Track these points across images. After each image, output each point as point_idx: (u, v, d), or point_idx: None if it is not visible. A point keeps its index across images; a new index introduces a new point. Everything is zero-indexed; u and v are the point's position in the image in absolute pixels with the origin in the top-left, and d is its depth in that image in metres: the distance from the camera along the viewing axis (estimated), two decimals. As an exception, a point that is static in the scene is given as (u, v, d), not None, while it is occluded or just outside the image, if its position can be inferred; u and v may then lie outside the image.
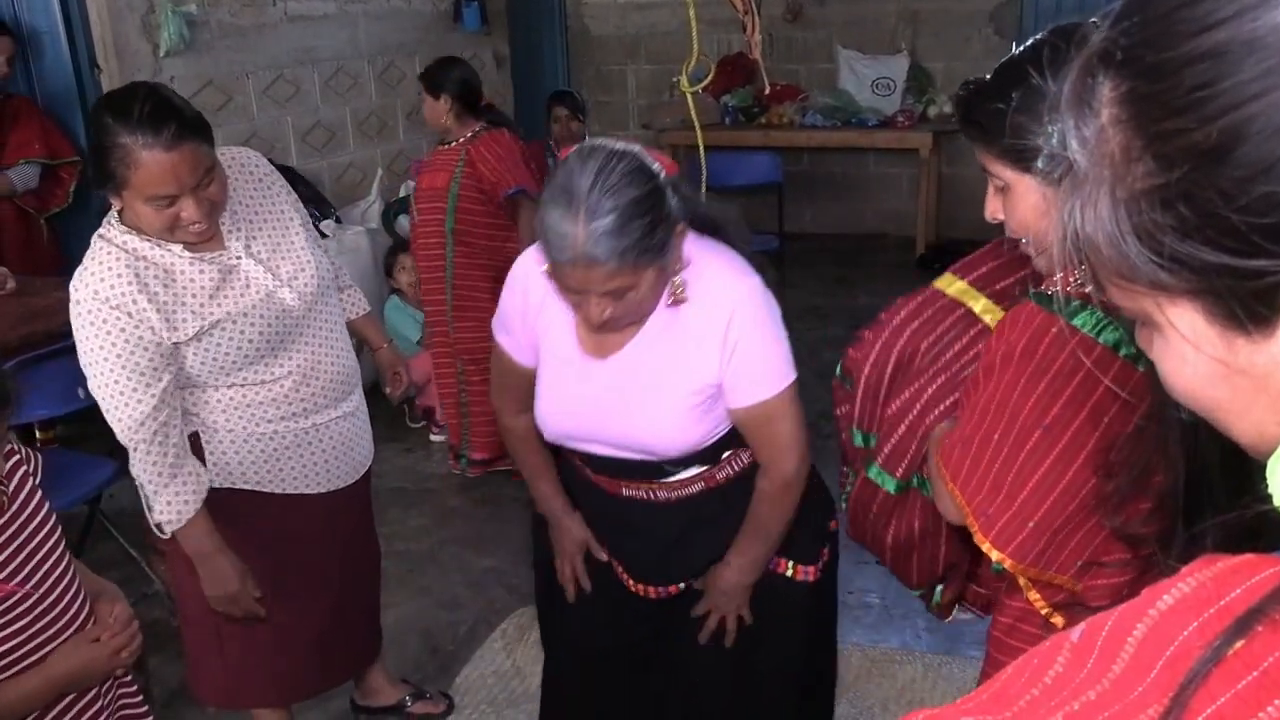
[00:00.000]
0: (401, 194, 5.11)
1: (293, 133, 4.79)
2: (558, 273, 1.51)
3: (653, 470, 1.73)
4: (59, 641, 1.45)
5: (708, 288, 1.62)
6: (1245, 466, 0.58)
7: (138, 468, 1.87)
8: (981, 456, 1.24)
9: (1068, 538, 1.22)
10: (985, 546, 1.24)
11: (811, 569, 1.84)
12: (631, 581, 1.84)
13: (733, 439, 1.73)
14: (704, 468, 1.74)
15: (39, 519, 1.46)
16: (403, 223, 4.75)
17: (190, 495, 1.89)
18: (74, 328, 1.84)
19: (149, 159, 1.72)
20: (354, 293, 2.36)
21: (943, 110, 6.37)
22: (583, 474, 1.82)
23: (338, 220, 4.64)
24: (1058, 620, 1.29)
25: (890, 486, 1.49)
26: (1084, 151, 0.54)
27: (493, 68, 6.21)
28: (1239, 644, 0.44)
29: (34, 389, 2.70)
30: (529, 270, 1.70)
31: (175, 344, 1.85)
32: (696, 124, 1.99)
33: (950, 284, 1.53)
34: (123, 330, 1.80)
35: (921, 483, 1.48)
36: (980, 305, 1.47)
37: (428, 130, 5.74)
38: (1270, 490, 0.48)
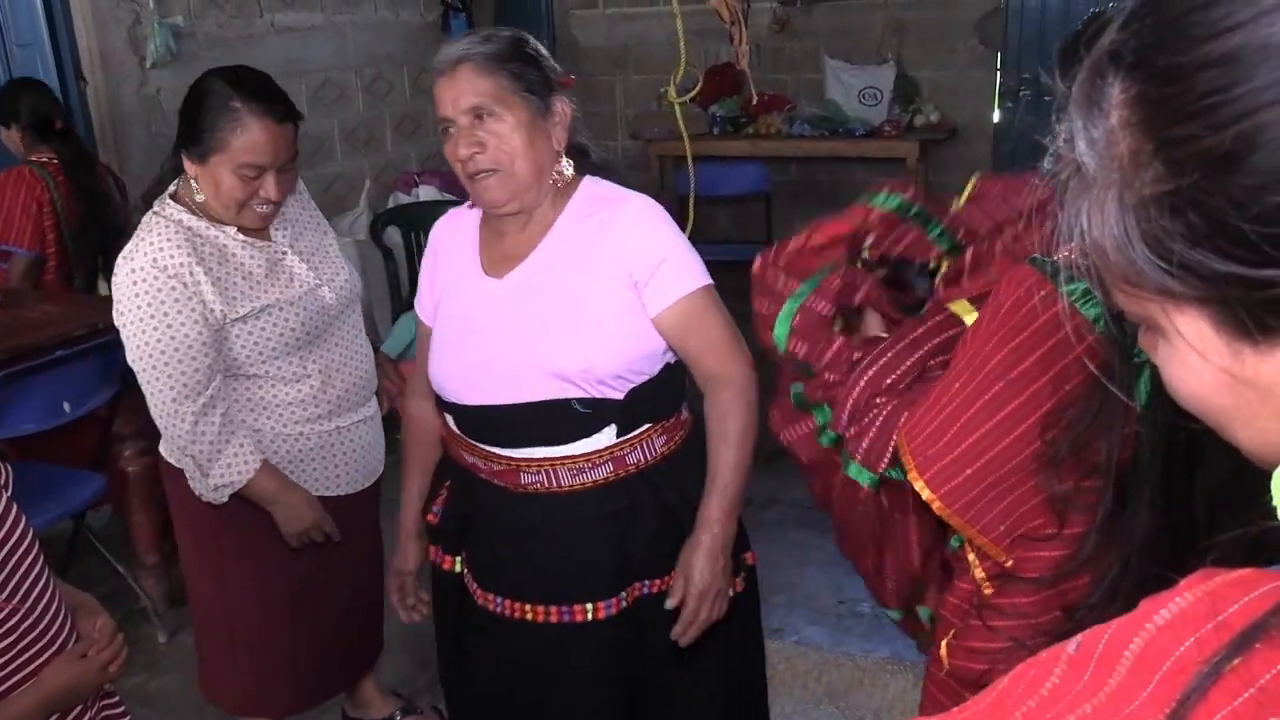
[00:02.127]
0: (390, 205, 5.11)
1: (280, 144, 4.78)
2: (436, 102, 1.61)
3: (558, 423, 1.63)
4: (42, 659, 1.42)
5: (606, 195, 1.69)
6: (1245, 479, 0.57)
7: (185, 439, 1.88)
8: (938, 402, 1.26)
9: (999, 497, 1.23)
10: (918, 485, 1.26)
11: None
12: (528, 606, 1.71)
13: (646, 404, 1.65)
14: (614, 438, 1.65)
15: (18, 534, 1.43)
16: (392, 234, 4.74)
17: (249, 454, 1.93)
18: (123, 299, 1.85)
19: (258, 125, 1.83)
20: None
21: (929, 119, 6.40)
22: (479, 474, 1.73)
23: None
24: (988, 590, 1.30)
25: (866, 480, 1.46)
26: (1092, 153, 0.53)
27: (480, 78, 6.21)
28: (1238, 660, 0.43)
29: (20, 403, 2.68)
30: (441, 227, 1.80)
31: (225, 320, 1.88)
32: (684, 134, 1.99)
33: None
34: (177, 300, 1.83)
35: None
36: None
37: (417, 141, 5.75)
38: (1275, 505, 0.48)
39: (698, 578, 1.62)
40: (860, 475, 1.40)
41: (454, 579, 1.84)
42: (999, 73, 6.59)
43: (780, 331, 1.48)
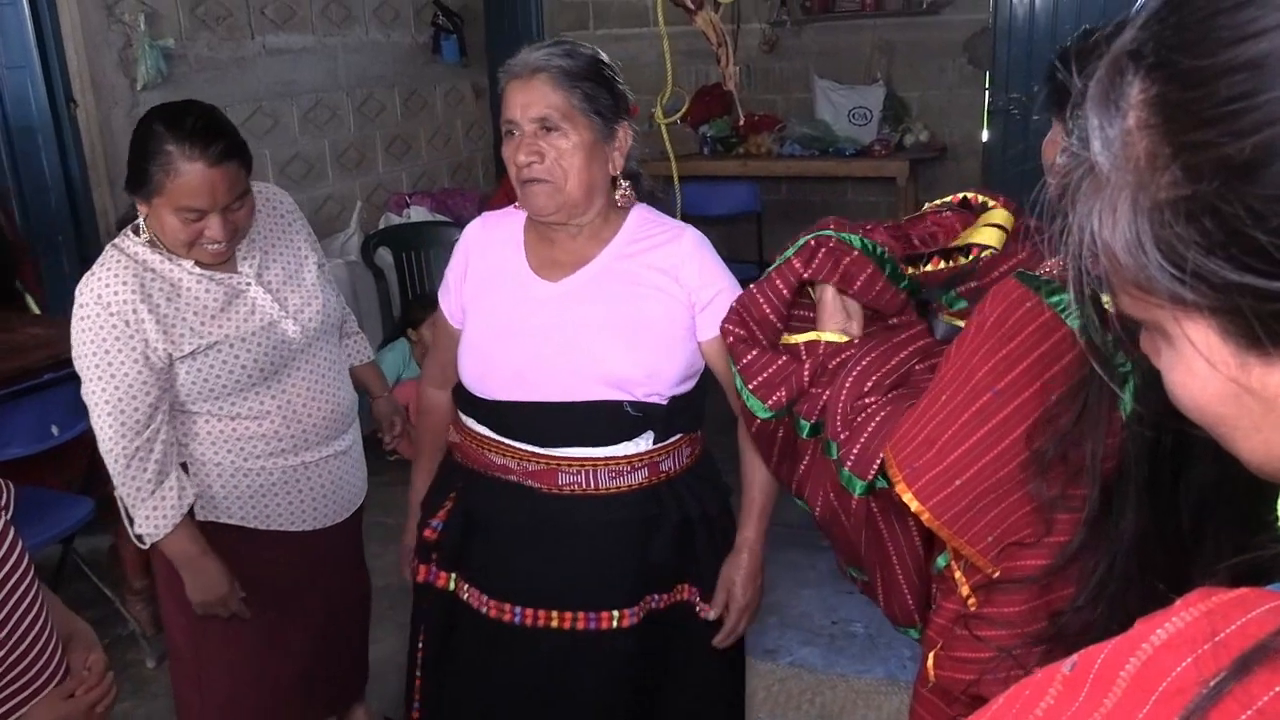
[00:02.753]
0: (381, 225, 5.11)
1: (271, 165, 4.78)
2: (505, 102, 1.64)
3: (606, 424, 1.68)
4: (28, 693, 1.39)
5: (662, 221, 1.77)
6: (1232, 483, 0.56)
7: (118, 479, 1.86)
8: (926, 414, 1.25)
9: (987, 508, 1.22)
10: (907, 497, 1.24)
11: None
12: (553, 613, 1.72)
13: (683, 414, 1.74)
14: (651, 444, 1.71)
15: (13, 559, 1.39)
16: (383, 255, 4.74)
17: (170, 509, 1.88)
18: (73, 332, 1.85)
19: (191, 169, 1.77)
20: (359, 340, 2.36)
21: (919, 139, 6.43)
22: (509, 475, 1.73)
23: (316, 253, 4.63)
24: (973, 602, 1.29)
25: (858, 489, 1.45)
26: (1107, 153, 0.51)
27: (471, 99, 6.23)
28: (1237, 682, 0.43)
29: (7, 426, 2.66)
30: (475, 230, 1.82)
31: (170, 359, 1.85)
32: (671, 155, 2.00)
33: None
34: (118, 338, 1.81)
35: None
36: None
37: (408, 162, 5.76)
38: None
39: (740, 594, 1.75)
40: (851, 484, 1.38)
41: (445, 599, 1.82)
42: (988, 92, 6.63)
43: (753, 405, 1.45)
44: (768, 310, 1.47)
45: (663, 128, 1.94)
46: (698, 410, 1.81)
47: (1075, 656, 0.50)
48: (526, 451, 1.71)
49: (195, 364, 1.88)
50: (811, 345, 1.45)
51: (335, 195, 5.23)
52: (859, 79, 6.62)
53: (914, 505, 1.24)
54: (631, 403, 1.67)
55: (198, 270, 1.89)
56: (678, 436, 1.75)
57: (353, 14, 5.26)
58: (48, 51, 3.97)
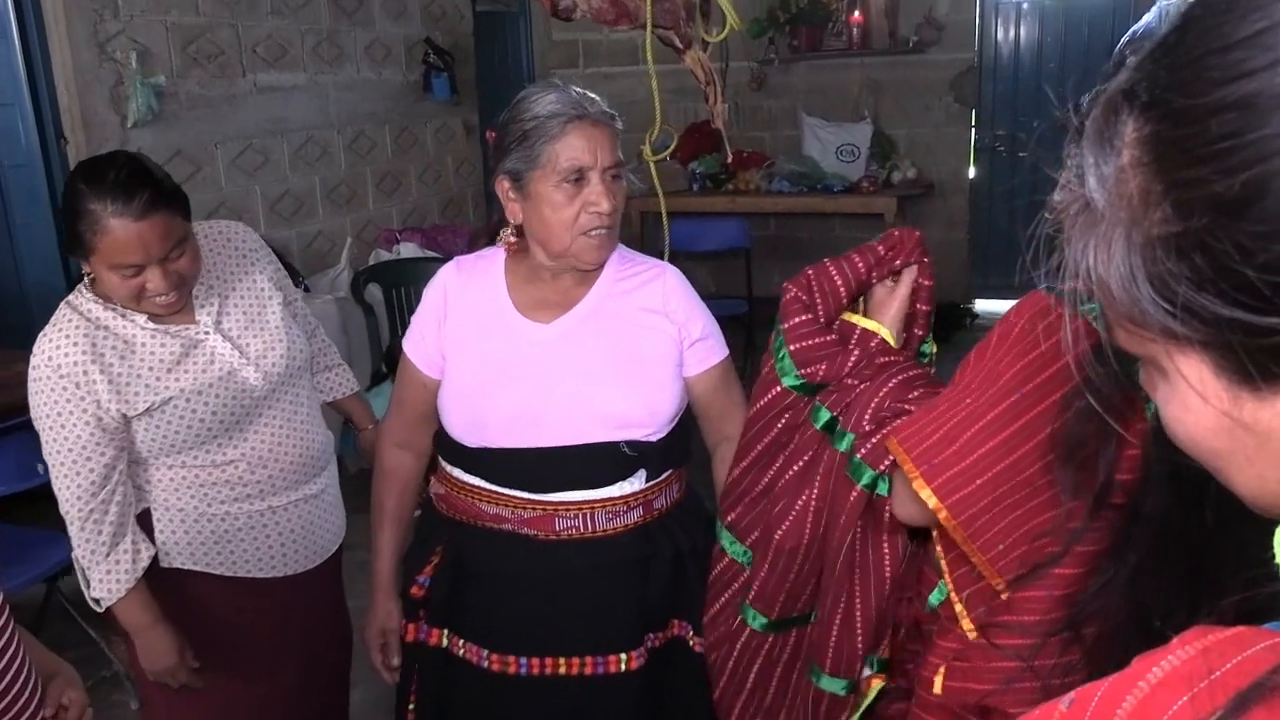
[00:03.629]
0: (371, 262, 5.12)
1: (261, 202, 4.80)
2: (561, 145, 1.59)
3: (601, 466, 1.66)
4: None
5: (643, 258, 1.78)
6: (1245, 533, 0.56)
7: (75, 540, 1.82)
8: (945, 413, 1.22)
9: (1002, 514, 1.20)
10: (925, 494, 1.20)
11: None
12: (561, 660, 1.70)
13: (673, 450, 1.73)
14: (644, 483, 1.70)
15: None
16: (373, 291, 4.74)
17: (124, 574, 1.83)
18: (29, 393, 1.81)
19: (117, 226, 1.69)
20: (342, 371, 2.29)
21: (906, 175, 6.49)
22: (503, 525, 1.71)
23: (306, 289, 4.63)
24: (974, 636, 1.26)
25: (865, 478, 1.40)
26: (1102, 190, 0.52)
27: (462, 137, 6.27)
28: None
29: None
30: (451, 274, 1.78)
31: (124, 419, 1.81)
32: (659, 192, 2.01)
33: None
34: (69, 400, 1.77)
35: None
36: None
37: (399, 198, 5.78)
38: (1278, 562, 0.47)
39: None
40: (858, 471, 1.36)
41: (439, 656, 1.79)
42: (974, 129, 6.70)
43: (784, 366, 1.43)
44: (839, 283, 1.45)
45: (651, 165, 1.95)
46: (685, 445, 1.80)
47: (1073, 693, 0.50)
48: (521, 499, 1.68)
49: (151, 420, 1.83)
50: (867, 334, 1.44)
51: (326, 231, 5.24)
52: (846, 116, 6.69)
53: (932, 502, 1.21)
54: (628, 442, 1.66)
55: (151, 325, 1.84)
56: (668, 473, 1.74)
57: (344, 52, 5.30)
58: (39, 88, 3.99)
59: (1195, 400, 0.53)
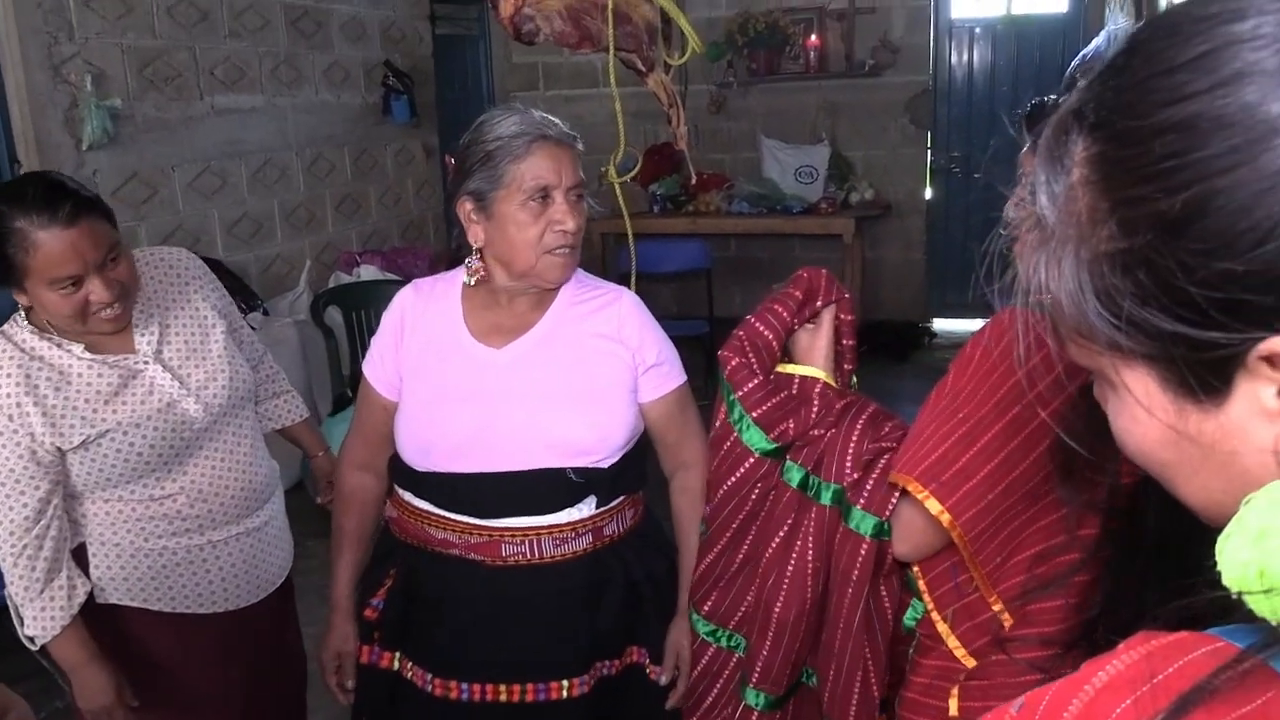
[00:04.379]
0: (331, 284, 5.08)
1: (219, 225, 4.75)
2: (526, 164, 1.60)
3: (548, 492, 1.65)
4: None
5: (597, 282, 1.78)
6: (1190, 539, 0.58)
7: (7, 576, 1.76)
8: (938, 433, 1.22)
9: (1001, 527, 1.21)
10: (939, 511, 1.20)
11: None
12: (502, 687, 1.68)
13: (625, 476, 1.71)
14: (594, 509, 1.68)
15: None
16: (333, 314, 4.71)
17: (58, 610, 1.77)
18: None
19: (47, 238, 1.65)
20: (291, 398, 2.25)
21: (864, 196, 6.56)
22: (451, 550, 1.70)
23: (265, 312, 4.58)
24: (962, 654, 1.27)
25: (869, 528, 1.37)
26: (1052, 207, 0.54)
27: (422, 159, 6.26)
28: None
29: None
30: (409, 296, 1.78)
31: (59, 452, 1.76)
32: (625, 213, 2.02)
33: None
34: (1, 433, 1.72)
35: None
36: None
37: (358, 221, 5.75)
38: (1220, 569, 0.49)
39: (689, 656, 1.70)
40: (863, 523, 1.33)
41: (389, 679, 1.77)
42: (930, 151, 6.80)
43: (752, 436, 1.40)
44: (770, 336, 1.44)
45: (615, 187, 1.96)
46: (639, 471, 1.78)
47: (1023, 697, 0.52)
48: (468, 524, 1.67)
49: (87, 454, 1.78)
50: (810, 381, 1.42)
51: (284, 254, 5.20)
52: (804, 139, 6.76)
53: (945, 519, 1.21)
54: (575, 469, 1.65)
55: (88, 355, 1.79)
56: (620, 499, 1.72)
57: (303, 75, 5.28)
58: (-9, 111, 3.93)
59: (1142, 413, 0.54)
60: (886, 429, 1.38)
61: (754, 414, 1.39)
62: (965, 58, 6.81)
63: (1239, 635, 0.48)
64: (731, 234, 6.84)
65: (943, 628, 1.29)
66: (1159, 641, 0.49)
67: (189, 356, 1.90)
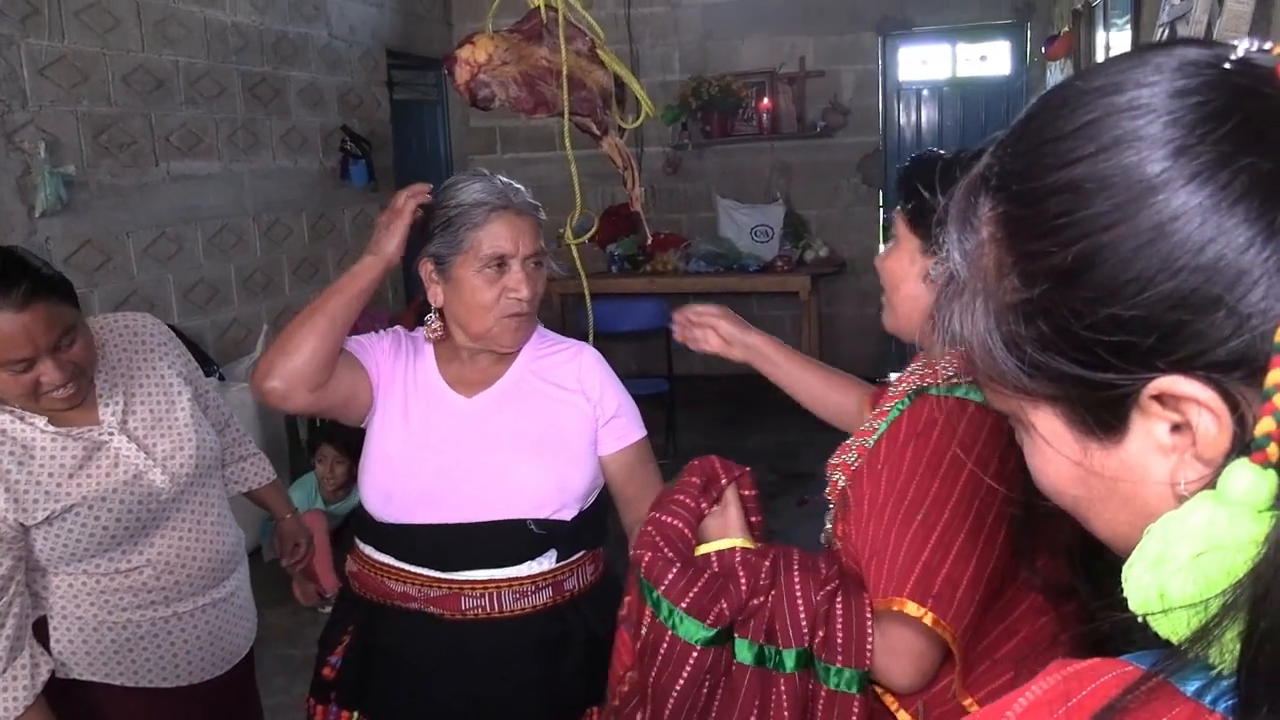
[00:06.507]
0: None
1: (174, 290, 4.72)
2: (484, 232, 1.63)
3: (508, 544, 1.64)
4: None
5: (559, 338, 1.83)
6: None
7: None
8: (913, 544, 1.18)
9: (977, 614, 1.19)
10: (945, 633, 1.16)
11: None
12: None
13: (587, 530, 1.72)
14: (555, 563, 1.67)
15: None
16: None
17: (21, 690, 1.70)
18: None
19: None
20: (258, 460, 2.22)
21: (819, 254, 6.66)
22: (410, 603, 1.68)
23: (221, 377, 4.54)
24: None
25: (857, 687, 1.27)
26: (964, 263, 0.59)
27: (380, 222, 6.26)
28: None
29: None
30: (402, 332, 1.82)
31: (22, 529, 1.71)
32: (582, 274, 2.04)
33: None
34: None
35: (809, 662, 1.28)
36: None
37: (316, 284, 5.73)
38: (1126, 594, 0.52)
39: None
40: (851, 682, 1.24)
41: None
42: (882, 209, 6.93)
43: (688, 629, 1.28)
44: (681, 525, 1.36)
45: (573, 248, 1.98)
46: (601, 526, 1.79)
47: None
48: (427, 577, 1.67)
49: (51, 529, 1.73)
50: (727, 554, 1.33)
51: (241, 318, 5.16)
52: (759, 198, 6.87)
53: (948, 634, 1.16)
54: (535, 520, 1.66)
55: (51, 428, 1.75)
56: (581, 554, 1.73)
57: (260, 140, 5.29)
58: (-59, 180, 3.89)
59: (1051, 451, 0.58)
60: (823, 570, 1.31)
61: (683, 605, 1.28)
62: (913, 118, 6.98)
63: (1145, 659, 0.51)
64: (689, 293, 6.87)
65: (890, 700, 1.26)
66: (1074, 667, 0.52)
67: (154, 426, 1.87)
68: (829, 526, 1.44)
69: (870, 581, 1.24)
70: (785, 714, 1.27)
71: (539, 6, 1.86)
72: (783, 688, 1.28)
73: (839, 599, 1.26)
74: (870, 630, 1.25)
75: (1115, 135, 0.52)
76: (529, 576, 1.67)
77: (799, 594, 1.28)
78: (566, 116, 1.86)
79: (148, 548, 1.83)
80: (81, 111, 4.21)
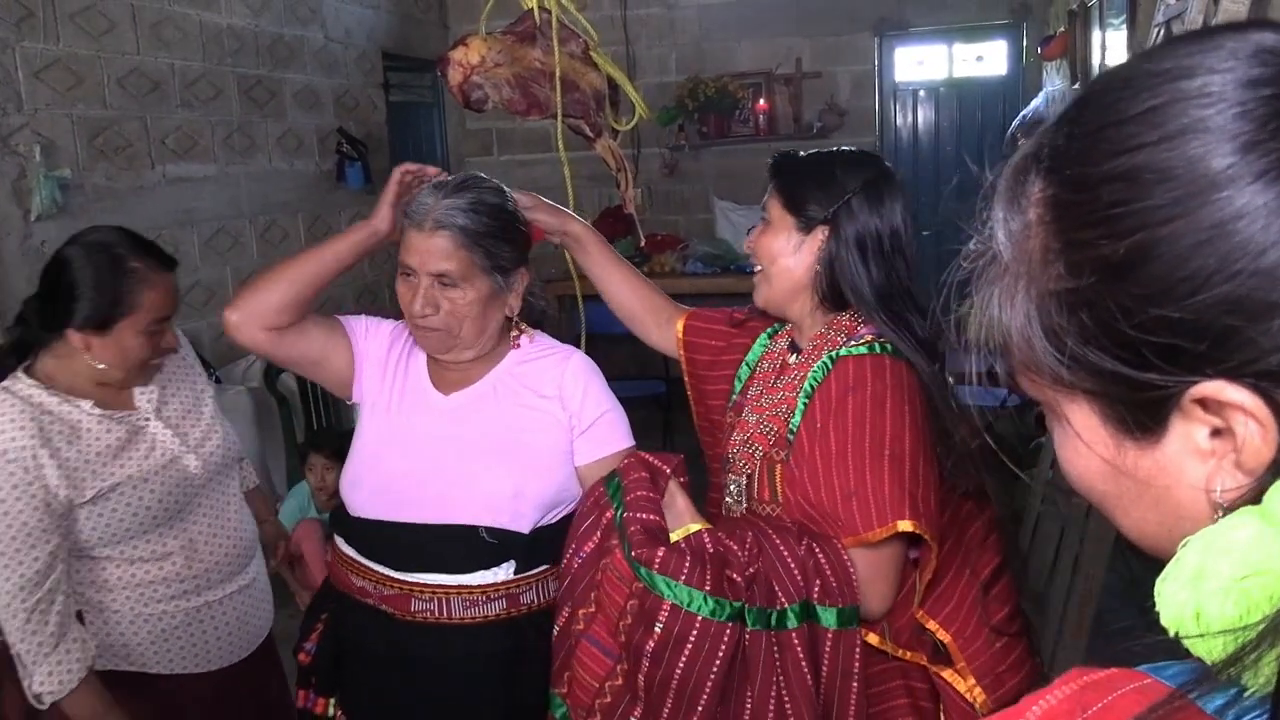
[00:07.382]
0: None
1: (170, 293, 4.71)
2: (405, 245, 1.65)
3: (461, 550, 1.62)
4: None
5: (551, 344, 1.81)
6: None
7: (15, 635, 1.73)
8: (889, 475, 1.34)
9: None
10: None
11: None
12: None
13: (549, 545, 1.65)
14: (512, 575, 1.64)
15: None
16: (286, 381, 4.66)
17: (75, 664, 1.75)
18: None
19: (161, 281, 1.86)
20: (245, 465, 2.31)
21: (816, 255, 6.66)
22: (367, 599, 1.68)
23: (218, 380, 4.53)
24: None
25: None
26: (1009, 244, 0.56)
27: (377, 225, 6.25)
28: None
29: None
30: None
31: (71, 505, 1.77)
32: (575, 276, 2.04)
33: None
34: (15, 486, 1.71)
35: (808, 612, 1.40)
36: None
37: (311, 287, 5.73)
38: (1159, 610, 0.49)
39: None
40: (851, 619, 1.39)
41: None
42: (878, 210, 6.93)
43: (715, 610, 1.34)
44: (656, 519, 1.44)
45: (566, 251, 1.98)
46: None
47: None
48: (382, 575, 1.67)
49: (97, 509, 1.80)
50: (694, 538, 1.40)
51: (237, 322, 5.15)
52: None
53: (933, 541, 1.36)
54: (487, 528, 1.63)
55: (96, 410, 1.83)
56: (543, 568, 1.68)
57: (256, 143, 5.28)
58: (-64, 183, 3.88)
59: (1083, 446, 0.56)
60: (789, 524, 1.44)
61: (706, 588, 1.34)
62: (910, 119, 6.98)
63: (1163, 671, 0.49)
64: (687, 294, 6.86)
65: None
66: (1091, 677, 0.50)
67: (185, 416, 1.99)
68: (744, 496, 1.58)
69: (849, 520, 1.36)
70: (803, 665, 1.36)
71: (532, 9, 1.86)
72: (795, 642, 1.37)
73: (817, 549, 1.38)
74: (852, 568, 1.37)
75: (1181, 124, 0.49)
76: (479, 586, 1.64)
77: (785, 553, 1.38)
78: (559, 119, 1.86)
79: (181, 533, 1.92)
80: (77, 114, 4.21)
